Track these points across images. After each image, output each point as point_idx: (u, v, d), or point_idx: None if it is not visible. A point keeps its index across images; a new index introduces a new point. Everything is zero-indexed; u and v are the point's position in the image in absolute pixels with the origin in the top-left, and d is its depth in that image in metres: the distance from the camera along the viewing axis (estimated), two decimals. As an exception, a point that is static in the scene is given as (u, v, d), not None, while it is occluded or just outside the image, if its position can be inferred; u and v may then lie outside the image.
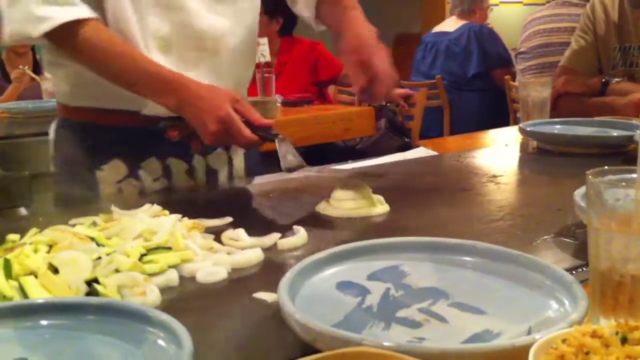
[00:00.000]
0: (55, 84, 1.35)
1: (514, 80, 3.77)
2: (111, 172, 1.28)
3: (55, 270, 0.77)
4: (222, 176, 1.39)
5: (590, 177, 0.64)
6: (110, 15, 1.18)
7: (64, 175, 1.34)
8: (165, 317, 0.60)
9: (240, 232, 0.95)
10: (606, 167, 0.66)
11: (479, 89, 4.02)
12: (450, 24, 4.17)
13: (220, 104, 1.10)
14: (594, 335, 0.49)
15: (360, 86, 1.21)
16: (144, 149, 1.29)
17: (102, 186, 1.29)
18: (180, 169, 1.33)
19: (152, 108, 1.19)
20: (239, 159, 1.43)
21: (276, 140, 1.13)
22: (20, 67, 3.59)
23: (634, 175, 0.63)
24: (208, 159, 1.36)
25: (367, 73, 1.20)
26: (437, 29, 4.25)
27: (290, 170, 1.12)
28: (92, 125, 1.29)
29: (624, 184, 0.64)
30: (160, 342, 0.59)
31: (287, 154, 1.12)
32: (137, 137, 1.26)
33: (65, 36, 1.13)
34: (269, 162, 1.41)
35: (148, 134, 1.21)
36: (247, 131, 1.10)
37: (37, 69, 3.82)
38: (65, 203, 1.34)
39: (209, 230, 0.98)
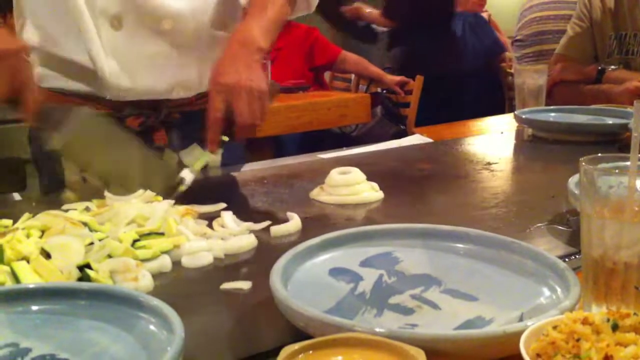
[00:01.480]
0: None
1: (510, 68, 3.76)
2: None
3: (47, 256, 0.77)
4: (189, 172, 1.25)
5: (583, 164, 0.64)
6: None
7: (38, 163, 1.30)
8: (156, 302, 0.60)
9: (229, 219, 0.95)
10: (599, 154, 0.66)
11: (474, 76, 4.00)
12: None
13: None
14: (585, 322, 0.50)
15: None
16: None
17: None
18: None
19: (115, 94, 1.16)
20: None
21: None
22: None
23: (628, 163, 0.63)
24: (181, 154, 1.21)
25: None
26: None
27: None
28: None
29: (617, 171, 0.64)
30: (152, 327, 0.59)
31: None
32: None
33: None
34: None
35: (114, 121, 1.15)
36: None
37: None
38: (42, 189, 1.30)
39: (202, 216, 0.97)
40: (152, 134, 1.17)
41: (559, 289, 0.65)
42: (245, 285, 0.75)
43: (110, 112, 1.16)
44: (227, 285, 0.75)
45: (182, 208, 0.94)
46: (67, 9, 1.14)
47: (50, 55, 1.18)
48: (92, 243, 0.80)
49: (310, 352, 0.50)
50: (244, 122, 1.05)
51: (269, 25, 1.17)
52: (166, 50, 1.21)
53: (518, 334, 0.51)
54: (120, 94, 1.15)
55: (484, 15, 4.26)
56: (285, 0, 1.22)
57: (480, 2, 4.20)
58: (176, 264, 0.82)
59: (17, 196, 1.61)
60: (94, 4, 1.15)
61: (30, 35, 1.22)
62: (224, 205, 1.03)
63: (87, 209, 0.96)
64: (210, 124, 1.05)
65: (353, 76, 3.96)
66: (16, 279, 0.73)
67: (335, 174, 1.11)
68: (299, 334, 0.58)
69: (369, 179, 1.12)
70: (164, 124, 1.23)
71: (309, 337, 0.55)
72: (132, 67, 1.18)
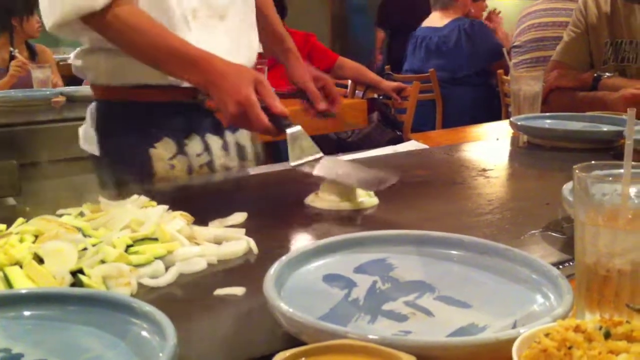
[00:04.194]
0: (93, 67, 1.35)
1: (506, 74, 3.77)
2: (163, 150, 1.32)
3: (40, 261, 0.77)
4: (249, 153, 1.45)
5: (577, 171, 0.64)
6: None
7: (111, 157, 1.36)
8: (149, 308, 0.59)
9: (201, 229, 0.93)
10: (593, 162, 0.66)
11: (471, 83, 4.01)
12: (437, 20, 4.15)
13: (241, 86, 1.08)
14: (577, 329, 0.49)
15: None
16: (186, 126, 1.34)
17: (156, 164, 1.32)
18: (216, 145, 1.38)
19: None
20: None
21: (287, 132, 1.10)
22: (14, 50, 3.54)
23: (622, 171, 0.63)
24: (237, 136, 1.41)
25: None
26: (427, 23, 4.24)
27: (297, 166, 1.10)
28: (135, 104, 1.32)
29: (610, 179, 0.64)
30: (144, 333, 0.59)
31: (296, 149, 1.10)
32: (179, 114, 1.32)
33: (100, 16, 1.16)
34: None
35: (188, 109, 1.24)
36: (263, 118, 1.07)
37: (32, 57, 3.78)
38: (116, 185, 1.32)
39: (196, 222, 0.97)
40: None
41: (552, 296, 0.65)
42: (238, 291, 0.75)
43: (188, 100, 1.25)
44: (220, 291, 0.75)
45: (176, 213, 0.94)
46: (157, 4, 1.23)
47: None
48: (85, 248, 0.80)
49: (303, 358, 0.50)
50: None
51: None
52: (222, 37, 1.32)
53: (510, 341, 0.51)
54: None
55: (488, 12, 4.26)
56: None
57: (476, 14, 4.22)
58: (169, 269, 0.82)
59: (10, 200, 1.60)
60: (181, 1, 1.26)
61: (95, 41, 1.29)
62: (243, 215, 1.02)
63: (82, 214, 0.96)
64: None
65: (350, 82, 3.97)
66: (9, 284, 0.73)
67: (330, 180, 1.10)
68: (292, 341, 0.58)
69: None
70: None
71: (302, 343, 0.55)
72: None
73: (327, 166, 1.11)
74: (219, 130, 1.38)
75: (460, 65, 3.98)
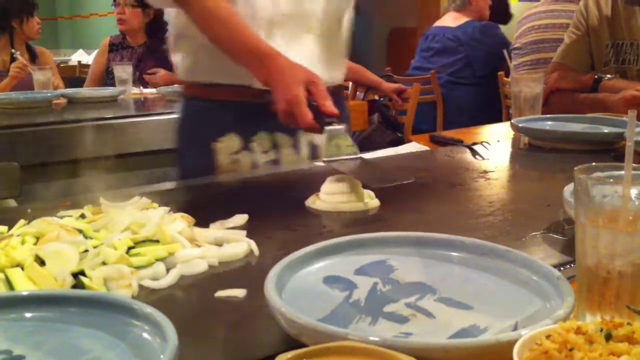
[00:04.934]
0: (179, 59, 1.46)
1: (507, 76, 3.77)
2: (227, 145, 1.41)
3: (42, 262, 0.77)
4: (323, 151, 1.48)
5: (578, 173, 0.64)
6: None
7: (185, 150, 1.49)
8: (150, 309, 0.59)
9: (202, 231, 0.94)
10: (594, 163, 0.66)
11: (472, 84, 4.01)
12: (450, 20, 4.15)
13: (292, 84, 1.13)
14: (578, 331, 0.49)
15: None
16: (255, 123, 1.40)
17: (219, 157, 1.41)
18: (286, 143, 1.43)
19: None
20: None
21: (325, 129, 1.14)
22: (16, 52, 3.55)
23: (622, 172, 0.63)
24: (312, 135, 1.44)
25: None
26: (439, 23, 4.23)
27: (327, 162, 1.15)
28: (208, 101, 1.43)
29: (611, 180, 0.64)
30: (145, 335, 0.59)
31: (331, 146, 1.14)
32: (248, 112, 1.37)
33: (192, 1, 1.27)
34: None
35: (258, 108, 1.27)
36: (308, 116, 1.12)
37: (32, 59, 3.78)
38: (184, 175, 1.47)
39: (197, 224, 0.97)
40: None
41: (553, 298, 0.65)
42: (239, 293, 0.75)
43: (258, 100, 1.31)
44: (221, 293, 0.75)
45: (177, 215, 0.94)
46: (247, 3, 1.31)
47: (210, 49, 1.30)
48: (86, 250, 0.80)
49: (304, 360, 0.50)
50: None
51: None
52: (312, 51, 1.40)
53: (512, 343, 0.51)
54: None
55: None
56: None
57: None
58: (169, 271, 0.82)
59: (12, 202, 1.60)
60: (274, 3, 1.33)
61: (182, 27, 1.39)
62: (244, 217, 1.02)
63: (82, 216, 0.96)
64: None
65: (350, 83, 3.97)
66: (10, 285, 0.73)
67: (330, 182, 1.11)
68: (293, 342, 0.58)
69: (365, 186, 1.12)
70: None
71: (303, 345, 0.55)
72: None
73: (352, 166, 1.15)
74: (292, 130, 1.41)
75: (476, 68, 3.96)
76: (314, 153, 1.48)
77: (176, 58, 1.47)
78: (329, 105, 1.14)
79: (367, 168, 1.16)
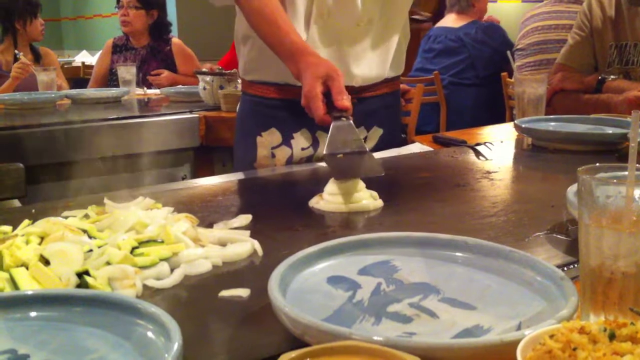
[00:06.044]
0: (240, 58, 1.56)
1: (510, 77, 3.76)
2: (269, 139, 1.49)
3: (46, 262, 0.77)
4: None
5: (581, 174, 0.64)
6: None
7: (238, 143, 1.59)
8: (154, 309, 0.60)
9: (206, 231, 0.94)
10: (598, 164, 0.66)
11: (475, 85, 4.00)
12: (452, 21, 4.14)
13: (310, 79, 1.20)
14: (582, 331, 0.49)
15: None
16: (298, 121, 1.46)
17: (260, 150, 1.51)
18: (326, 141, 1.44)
19: None
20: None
21: (332, 123, 1.17)
22: (19, 53, 3.55)
23: (626, 173, 0.63)
24: None
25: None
26: (442, 24, 4.22)
27: (325, 158, 1.17)
28: (257, 97, 1.52)
29: (615, 181, 0.64)
30: (150, 334, 0.59)
31: (335, 141, 1.16)
32: (292, 109, 1.42)
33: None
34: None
35: (301, 106, 1.29)
36: (320, 110, 1.17)
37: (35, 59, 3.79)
38: (236, 167, 1.57)
39: (201, 224, 0.97)
40: None
41: (557, 298, 0.65)
42: (243, 292, 0.75)
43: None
44: (225, 293, 0.75)
45: (181, 215, 0.94)
46: None
47: (260, 47, 1.39)
48: (91, 250, 0.80)
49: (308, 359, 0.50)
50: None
51: None
52: (358, 45, 1.45)
53: (515, 343, 0.51)
54: None
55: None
56: None
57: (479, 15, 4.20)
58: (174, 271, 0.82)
59: (16, 202, 1.61)
60: None
61: (245, 28, 1.45)
62: (247, 218, 1.02)
63: (87, 216, 0.97)
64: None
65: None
66: (15, 285, 0.73)
67: (334, 182, 1.11)
68: (296, 342, 0.58)
69: (369, 187, 1.12)
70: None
71: (306, 345, 0.55)
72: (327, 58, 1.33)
73: (347, 160, 1.16)
74: None
75: (475, 67, 3.96)
76: None
77: (238, 58, 1.55)
78: (341, 100, 1.18)
79: (349, 162, 1.16)
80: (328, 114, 1.18)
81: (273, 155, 1.51)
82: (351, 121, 1.18)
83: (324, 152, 1.17)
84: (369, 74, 1.50)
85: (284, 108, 1.48)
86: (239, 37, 1.53)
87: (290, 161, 1.51)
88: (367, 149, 1.19)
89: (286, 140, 1.50)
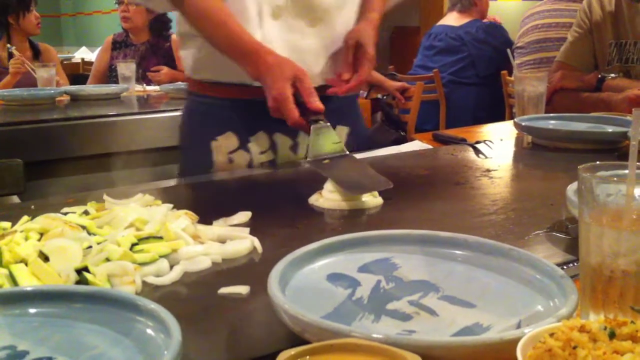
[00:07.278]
0: (185, 57, 1.46)
1: (510, 75, 3.76)
2: (225, 143, 1.39)
3: (45, 258, 0.77)
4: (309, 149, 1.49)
5: (581, 172, 0.64)
6: None
7: (186, 147, 1.49)
8: (154, 306, 0.60)
9: (205, 228, 0.94)
10: (598, 162, 0.66)
11: (475, 83, 4.00)
12: (453, 19, 4.14)
13: (278, 81, 1.14)
14: (582, 329, 0.49)
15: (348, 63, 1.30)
16: (254, 123, 1.38)
17: (216, 156, 1.40)
18: (285, 144, 1.41)
19: None
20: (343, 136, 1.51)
21: (312, 127, 1.14)
22: (11, 47, 3.54)
23: (626, 171, 0.63)
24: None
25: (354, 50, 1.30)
26: (443, 22, 4.22)
27: (311, 162, 1.14)
28: (209, 98, 1.42)
29: (615, 179, 0.64)
30: (149, 331, 0.59)
31: (317, 145, 1.14)
32: (247, 111, 1.36)
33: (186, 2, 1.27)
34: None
35: (257, 107, 1.26)
36: (294, 114, 1.13)
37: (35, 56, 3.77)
38: (185, 172, 1.46)
39: (201, 221, 0.97)
40: None
41: (556, 297, 0.65)
42: (243, 289, 0.75)
43: (257, 99, 1.27)
44: (224, 290, 0.75)
45: (181, 212, 0.94)
46: None
47: (207, 46, 1.32)
48: (90, 246, 0.80)
49: (307, 357, 0.50)
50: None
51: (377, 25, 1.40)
52: (315, 44, 1.37)
53: (515, 341, 0.51)
54: None
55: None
56: None
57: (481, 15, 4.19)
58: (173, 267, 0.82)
59: (15, 198, 1.61)
60: None
61: (188, 27, 1.37)
62: (247, 215, 1.02)
63: (86, 213, 0.97)
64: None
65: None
66: (14, 281, 0.73)
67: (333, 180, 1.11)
68: (296, 339, 0.58)
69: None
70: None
71: (306, 342, 0.55)
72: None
73: (337, 166, 1.14)
74: (292, 131, 1.37)
75: (475, 66, 3.96)
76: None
77: (182, 56, 1.46)
78: (314, 102, 1.14)
79: (346, 171, 1.14)
80: (302, 116, 1.15)
81: (231, 161, 1.40)
82: (329, 123, 1.15)
83: (307, 157, 1.14)
84: (328, 72, 1.41)
85: (240, 109, 1.39)
86: (185, 33, 1.42)
87: (250, 166, 1.42)
88: (347, 152, 1.17)
89: (243, 145, 1.40)
